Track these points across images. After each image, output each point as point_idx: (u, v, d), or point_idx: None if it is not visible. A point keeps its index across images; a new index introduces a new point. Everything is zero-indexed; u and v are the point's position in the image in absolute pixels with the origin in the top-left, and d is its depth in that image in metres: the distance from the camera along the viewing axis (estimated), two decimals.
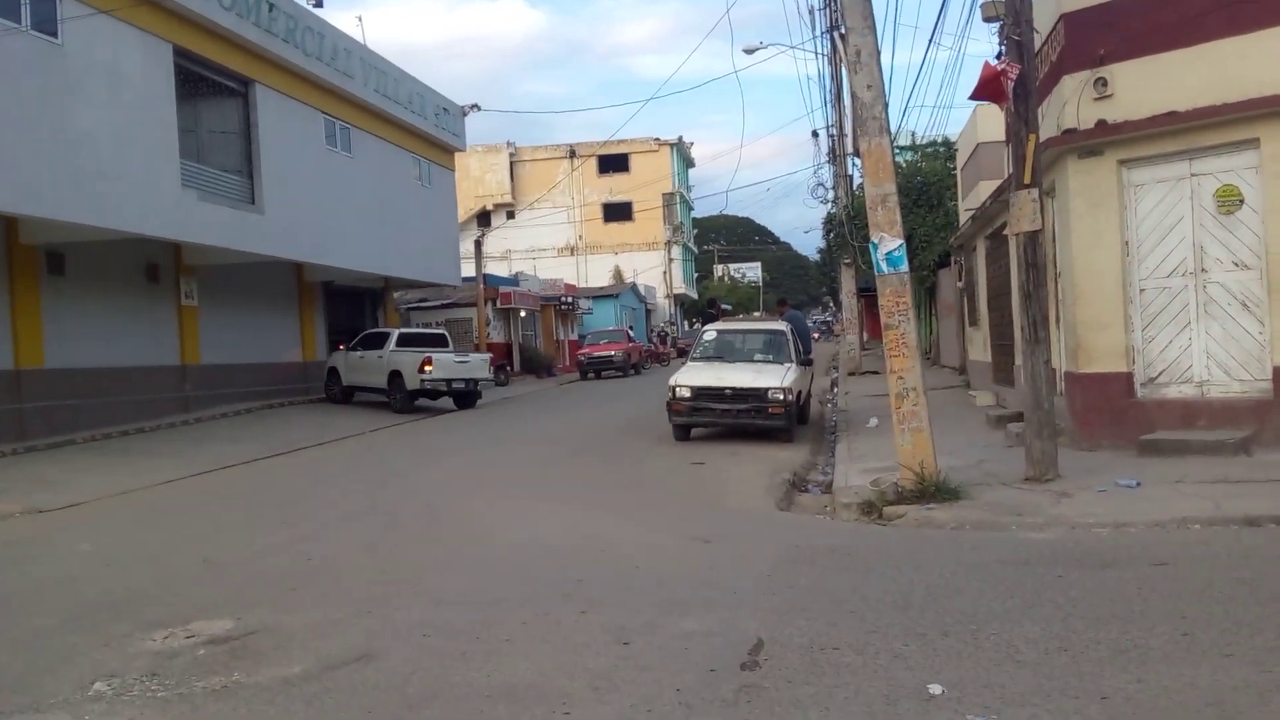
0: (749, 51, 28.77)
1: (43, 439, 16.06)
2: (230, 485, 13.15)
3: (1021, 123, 9.82)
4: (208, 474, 14.12)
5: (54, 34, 15.42)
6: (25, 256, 16.95)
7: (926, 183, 29.85)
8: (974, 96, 10.12)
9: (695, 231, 79.61)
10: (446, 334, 26.31)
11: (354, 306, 29.94)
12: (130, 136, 16.91)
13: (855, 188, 29.26)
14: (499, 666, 5.06)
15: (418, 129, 28.59)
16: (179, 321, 21.03)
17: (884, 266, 9.75)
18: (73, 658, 5.57)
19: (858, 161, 24.88)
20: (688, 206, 71.43)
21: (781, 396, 14.34)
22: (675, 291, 66.22)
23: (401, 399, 22.99)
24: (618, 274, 60.94)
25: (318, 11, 23.13)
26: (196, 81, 19.71)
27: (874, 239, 9.81)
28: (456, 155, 32.81)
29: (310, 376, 25.56)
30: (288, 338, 25.57)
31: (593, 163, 60.49)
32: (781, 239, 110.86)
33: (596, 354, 37.36)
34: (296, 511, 10.66)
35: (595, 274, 61.20)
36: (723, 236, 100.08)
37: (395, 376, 23.00)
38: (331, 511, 10.58)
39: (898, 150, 29.38)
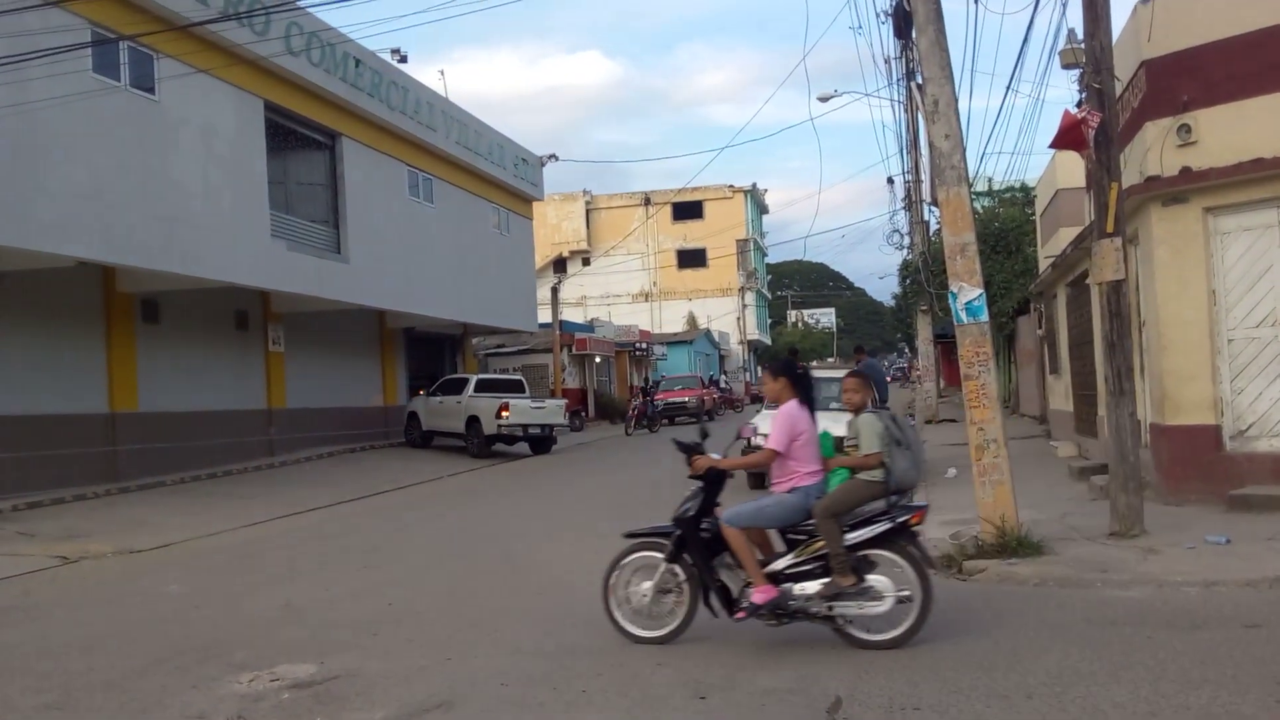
0: (824, 99, 28.89)
1: (135, 480, 16.60)
2: (314, 528, 13.43)
3: (1103, 171, 9.70)
4: (292, 516, 14.45)
5: (151, 90, 16.06)
6: (122, 304, 17.64)
7: (1004, 229, 29.51)
8: (1054, 145, 10.05)
9: (769, 277, 79.53)
10: (523, 380, 26.59)
11: (433, 352, 30.50)
12: (222, 189, 17.53)
13: (932, 234, 29.03)
14: (575, 719, 5.09)
15: (497, 179, 29.17)
16: (266, 367, 21.66)
17: (963, 316, 9.66)
18: (163, 699, 5.75)
19: (934, 209, 24.71)
20: (761, 253, 71.48)
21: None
22: (749, 337, 66.12)
23: (479, 444, 23.26)
24: (691, 320, 61.09)
25: (402, 66, 23.93)
26: (286, 135, 20.41)
27: (953, 288, 9.73)
28: (534, 204, 33.36)
29: (391, 421, 26.02)
30: (370, 383, 26.12)
31: (667, 210, 60.89)
32: (856, 284, 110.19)
33: (670, 400, 37.41)
34: (378, 555, 10.85)
35: (669, 320, 61.46)
36: (797, 282, 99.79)
37: (473, 421, 23.32)
38: (411, 556, 10.75)
39: (974, 196, 29.15)
